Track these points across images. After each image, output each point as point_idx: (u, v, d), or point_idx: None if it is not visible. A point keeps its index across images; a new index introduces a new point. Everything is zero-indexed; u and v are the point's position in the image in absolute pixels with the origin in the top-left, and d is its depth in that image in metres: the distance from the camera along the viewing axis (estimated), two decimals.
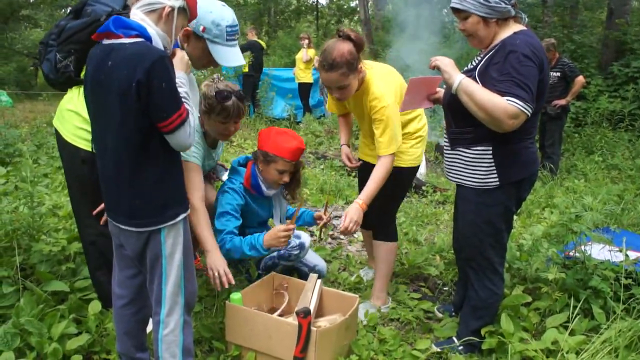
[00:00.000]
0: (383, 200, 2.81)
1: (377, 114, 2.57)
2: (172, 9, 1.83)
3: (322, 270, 3.06)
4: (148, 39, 1.75)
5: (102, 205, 2.37)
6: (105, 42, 1.78)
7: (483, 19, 2.17)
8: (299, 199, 3.02)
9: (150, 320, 2.56)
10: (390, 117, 2.54)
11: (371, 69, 2.65)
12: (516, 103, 2.03)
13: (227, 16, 2.18)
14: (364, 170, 2.94)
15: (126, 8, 2.27)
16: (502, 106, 2.04)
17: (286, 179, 2.76)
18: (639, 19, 10.25)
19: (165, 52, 1.77)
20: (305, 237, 2.82)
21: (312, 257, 3.09)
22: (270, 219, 2.93)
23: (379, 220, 2.91)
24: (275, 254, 2.82)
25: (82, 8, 2.29)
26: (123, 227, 1.87)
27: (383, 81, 2.62)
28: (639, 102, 8.25)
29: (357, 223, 2.57)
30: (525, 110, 2.05)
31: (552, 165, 6.42)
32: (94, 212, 2.37)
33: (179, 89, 1.82)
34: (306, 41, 9.84)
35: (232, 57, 2.25)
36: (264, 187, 2.77)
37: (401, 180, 2.84)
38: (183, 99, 1.79)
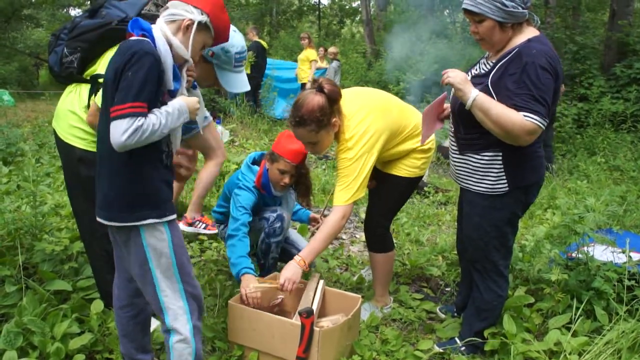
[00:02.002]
0: (377, 213, 2.80)
1: (340, 163, 2.48)
2: (192, 22, 1.83)
3: None
4: (152, 39, 1.76)
5: None
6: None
7: (499, 23, 2.09)
8: (310, 204, 3.13)
9: (153, 319, 2.56)
10: (351, 171, 2.43)
11: (347, 118, 2.48)
12: (533, 119, 2.00)
13: (237, 43, 2.20)
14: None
15: (140, 16, 2.30)
16: (519, 123, 2.01)
17: (286, 180, 2.84)
18: None
19: (156, 52, 1.73)
20: (281, 210, 2.96)
21: (302, 241, 3.22)
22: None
23: (375, 232, 2.83)
24: (262, 235, 2.94)
25: (98, 9, 2.34)
26: (100, 220, 1.82)
27: (356, 131, 2.45)
28: None
29: (294, 282, 2.42)
30: (542, 125, 2.02)
31: (547, 164, 6.40)
32: None
33: (163, 108, 1.72)
34: (306, 41, 9.83)
35: (238, 83, 2.31)
36: (272, 188, 2.90)
37: (398, 190, 2.78)
38: (156, 111, 1.69)
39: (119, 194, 1.77)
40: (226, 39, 1.95)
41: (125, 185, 1.76)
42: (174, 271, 1.84)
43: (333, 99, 2.41)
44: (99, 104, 2.20)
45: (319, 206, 4.81)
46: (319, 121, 2.38)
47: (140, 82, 1.65)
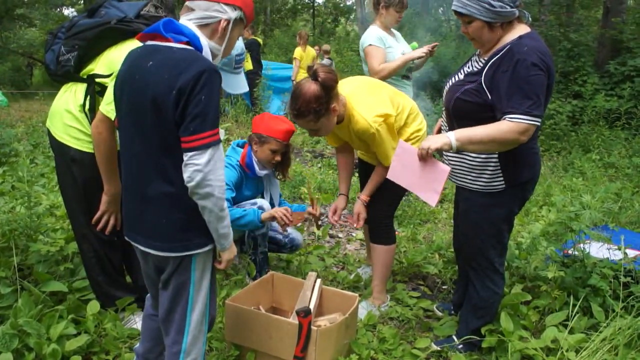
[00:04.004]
0: (381, 203, 2.83)
1: (368, 140, 2.59)
2: (229, 22, 1.70)
3: (296, 238, 3.29)
4: (199, 49, 1.64)
5: (99, 214, 2.35)
6: (149, 43, 1.67)
7: (488, 23, 2.10)
8: (290, 177, 3.27)
9: None
10: (382, 139, 2.54)
11: (351, 95, 2.58)
12: (521, 119, 1.99)
13: (237, 45, 2.20)
14: (364, 168, 3.03)
15: (139, 17, 2.30)
16: (509, 129, 2.00)
17: (278, 158, 2.98)
18: (635, 17, 10.27)
19: (216, 66, 1.65)
20: (261, 201, 3.02)
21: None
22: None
23: (377, 223, 2.89)
24: (247, 231, 3.00)
25: (97, 9, 2.35)
26: (142, 248, 1.75)
27: (366, 104, 2.55)
28: (635, 100, 8.25)
29: (363, 216, 2.83)
30: (534, 123, 2.01)
31: None
32: (93, 221, 2.36)
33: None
34: (301, 40, 9.80)
35: (238, 84, 2.35)
36: (257, 167, 3.01)
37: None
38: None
39: (175, 224, 1.68)
40: (252, 19, 1.86)
41: (181, 216, 1.67)
42: (207, 293, 1.80)
43: (329, 86, 2.42)
44: (105, 113, 2.16)
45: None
46: (317, 111, 2.42)
47: (215, 106, 1.58)
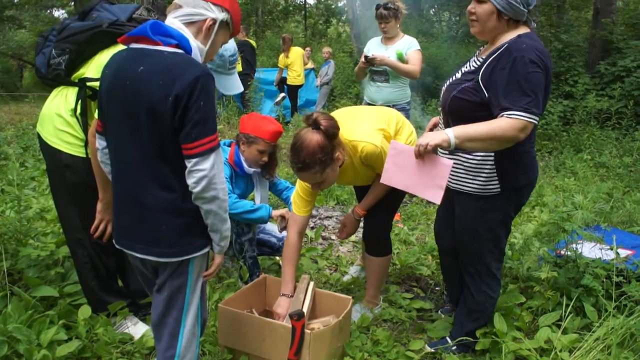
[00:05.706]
0: (380, 218, 2.80)
1: (376, 163, 2.46)
2: (214, 22, 1.70)
3: None
4: (188, 51, 1.63)
5: (96, 222, 2.32)
6: (135, 46, 1.65)
7: (498, 11, 2.08)
8: (277, 177, 3.28)
9: (141, 324, 2.53)
10: (385, 155, 2.32)
11: (346, 131, 2.42)
12: (520, 116, 1.96)
13: (230, 47, 2.20)
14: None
15: (131, 20, 2.27)
16: (508, 125, 1.96)
17: (265, 158, 2.97)
18: (624, 18, 10.35)
19: (209, 69, 1.65)
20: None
21: (276, 228, 3.28)
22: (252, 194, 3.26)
23: (375, 237, 2.84)
24: (233, 236, 3.01)
25: (89, 11, 2.32)
26: (139, 255, 1.72)
27: (360, 129, 2.46)
28: (626, 100, 8.31)
29: (349, 231, 2.82)
30: (532, 120, 1.99)
31: None
32: (91, 230, 2.32)
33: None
34: (284, 45, 9.79)
35: (232, 85, 2.36)
36: (245, 165, 3.01)
37: (396, 192, 2.71)
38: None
39: (174, 229, 1.67)
40: (238, 31, 1.86)
41: (181, 220, 1.67)
42: (199, 295, 1.81)
43: (332, 134, 2.27)
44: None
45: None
46: (322, 162, 2.26)
47: (213, 110, 1.60)
